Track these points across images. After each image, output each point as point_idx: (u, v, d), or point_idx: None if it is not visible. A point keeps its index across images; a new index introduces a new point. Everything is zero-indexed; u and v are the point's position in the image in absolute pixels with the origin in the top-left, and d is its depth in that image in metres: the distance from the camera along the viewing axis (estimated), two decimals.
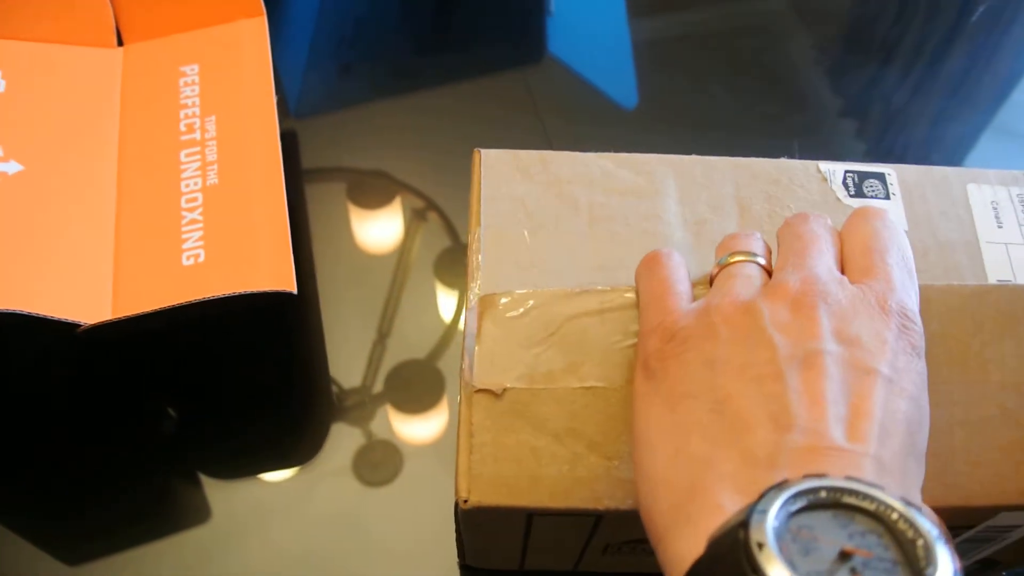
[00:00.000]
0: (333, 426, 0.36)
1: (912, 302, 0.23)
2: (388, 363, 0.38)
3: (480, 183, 0.29)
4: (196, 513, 0.34)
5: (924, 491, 0.21)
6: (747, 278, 0.23)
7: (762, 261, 0.24)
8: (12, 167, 0.34)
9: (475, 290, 0.26)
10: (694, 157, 0.30)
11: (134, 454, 0.35)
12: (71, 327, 0.30)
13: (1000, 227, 0.30)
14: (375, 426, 0.36)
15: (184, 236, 0.32)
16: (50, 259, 0.32)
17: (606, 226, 0.28)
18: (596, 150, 0.46)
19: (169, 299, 0.30)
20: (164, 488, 0.35)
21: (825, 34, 0.52)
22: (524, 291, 0.26)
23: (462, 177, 0.45)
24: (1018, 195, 0.30)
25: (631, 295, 0.26)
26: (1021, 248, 0.29)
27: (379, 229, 0.42)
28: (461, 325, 0.39)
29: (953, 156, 0.47)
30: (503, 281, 0.27)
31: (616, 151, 0.46)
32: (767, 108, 0.48)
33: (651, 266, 0.25)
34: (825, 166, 0.30)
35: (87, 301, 0.31)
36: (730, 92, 0.49)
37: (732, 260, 0.24)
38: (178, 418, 0.36)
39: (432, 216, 0.43)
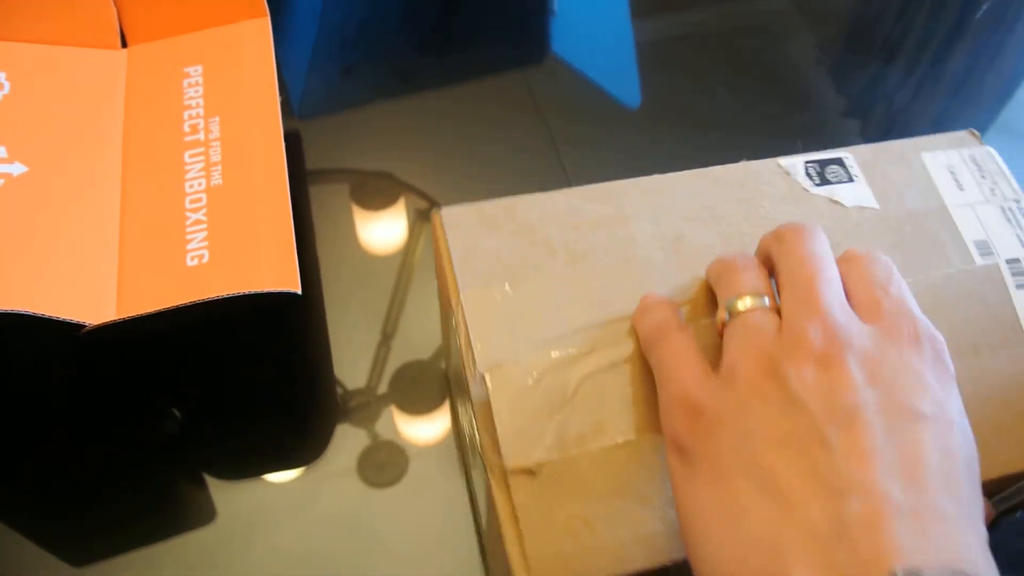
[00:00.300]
0: (338, 427, 0.36)
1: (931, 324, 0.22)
2: (393, 364, 0.38)
3: (447, 245, 0.27)
4: (200, 514, 0.34)
5: None
6: (761, 331, 0.22)
7: (768, 301, 0.23)
8: (17, 168, 0.34)
9: (473, 362, 0.25)
10: (656, 176, 0.30)
11: (138, 455, 0.35)
12: (75, 327, 0.30)
13: (962, 190, 0.30)
14: (380, 427, 0.36)
15: (188, 237, 0.32)
16: (54, 260, 0.32)
17: (586, 262, 0.27)
18: (600, 150, 0.46)
19: (173, 299, 0.30)
20: (168, 489, 0.34)
21: (827, 33, 0.52)
22: (531, 358, 0.25)
23: (466, 178, 0.45)
24: (970, 155, 0.31)
25: (637, 346, 0.25)
26: (986, 206, 0.30)
27: (383, 230, 0.42)
28: None
29: None
30: (499, 344, 0.25)
31: (619, 151, 0.46)
32: (769, 108, 0.48)
33: (650, 322, 0.24)
34: (784, 161, 0.30)
35: (91, 302, 0.31)
36: (733, 92, 0.49)
37: (739, 308, 0.23)
38: (182, 419, 0.36)
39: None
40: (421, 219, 0.43)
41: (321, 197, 0.43)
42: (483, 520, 0.29)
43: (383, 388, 0.37)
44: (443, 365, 0.38)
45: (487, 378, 0.25)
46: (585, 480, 0.24)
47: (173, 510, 0.34)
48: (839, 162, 0.30)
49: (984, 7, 0.54)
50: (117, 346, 0.36)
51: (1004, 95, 0.50)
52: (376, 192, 0.43)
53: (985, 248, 0.29)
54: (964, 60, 0.52)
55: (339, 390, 0.37)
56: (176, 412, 0.36)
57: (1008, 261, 0.28)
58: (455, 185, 0.44)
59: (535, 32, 0.52)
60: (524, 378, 0.25)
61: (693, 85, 0.49)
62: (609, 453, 0.24)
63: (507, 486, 0.23)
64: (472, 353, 0.25)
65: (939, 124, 0.49)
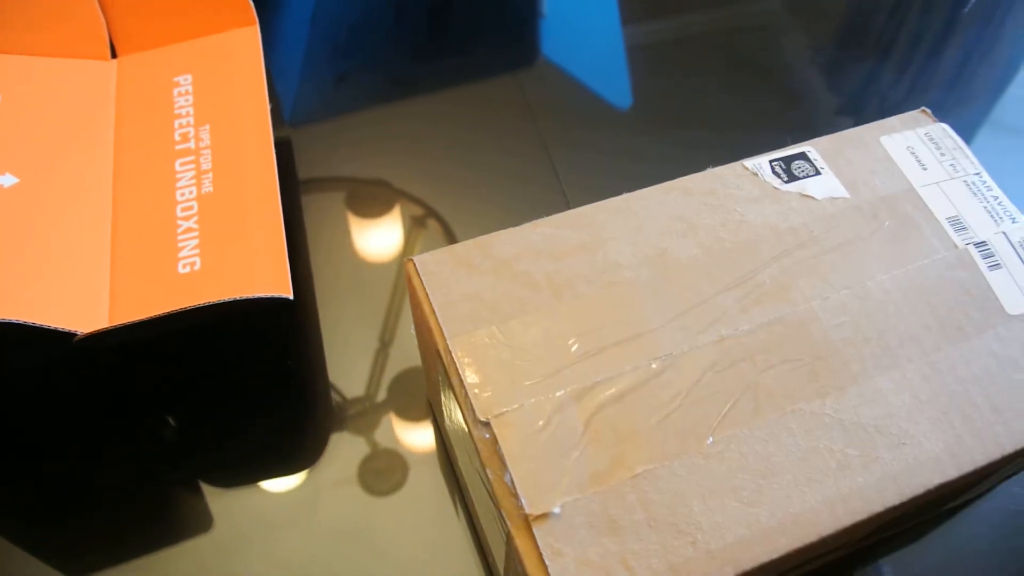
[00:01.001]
0: (337, 435, 0.36)
1: None
2: (391, 371, 0.38)
3: (427, 293, 0.27)
4: (197, 523, 0.33)
5: (966, 452, 0.22)
6: None
7: None
8: (8, 180, 0.34)
9: (475, 412, 0.25)
10: (625, 195, 0.29)
11: (131, 462, 0.35)
12: (67, 336, 0.30)
13: (925, 169, 0.30)
14: (379, 435, 0.36)
15: (180, 244, 0.32)
16: (47, 269, 0.32)
17: (572, 291, 0.27)
18: (592, 152, 0.46)
19: (165, 306, 0.30)
20: (163, 497, 0.34)
21: (820, 31, 0.53)
22: (534, 400, 0.25)
23: (460, 184, 0.45)
24: (926, 134, 0.31)
25: (640, 371, 0.25)
26: (951, 182, 0.30)
27: (379, 237, 0.42)
28: None
29: None
30: (496, 390, 0.25)
31: (611, 152, 0.46)
32: (763, 107, 0.48)
33: None
34: (749, 162, 0.30)
35: (83, 310, 0.31)
36: (725, 92, 0.49)
37: None
38: (176, 427, 0.36)
39: (432, 223, 0.43)
40: (417, 225, 0.43)
41: (315, 205, 0.43)
42: (499, 562, 0.29)
43: (382, 396, 0.37)
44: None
45: (493, 427, 0.24)
46: (611, 515, 0.23)
47: (169, 519, 0.34)
48: (803, 156, 0.31)
49: (972, 1, 0.54)
50: (111, 354, 0.36)
51: (996, 91, 0.51)
52: (371, 199, 0.43)
53: (958, 224, 0.29)
54: (956, 56, 0.52)
55: (338, 398, 0.37)
56: (171, 420, 0.36)
57: (976, 244, 0.29)
58: (451, 191, 0.44)
59: (526, 35, 0.52)
60: (532, 422, 0.24)
61: (684, 86, 0.49)
62: (630, 485, 0.24)
63: (530, 533, 0.23)
64: (471, 402, 0.25)
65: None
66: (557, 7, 0.53)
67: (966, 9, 0.54)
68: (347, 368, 0.37)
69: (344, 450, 0.35)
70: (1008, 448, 0.25)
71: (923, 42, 0.52)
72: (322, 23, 0.51)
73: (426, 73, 0.49)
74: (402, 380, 0.38)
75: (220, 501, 0.34)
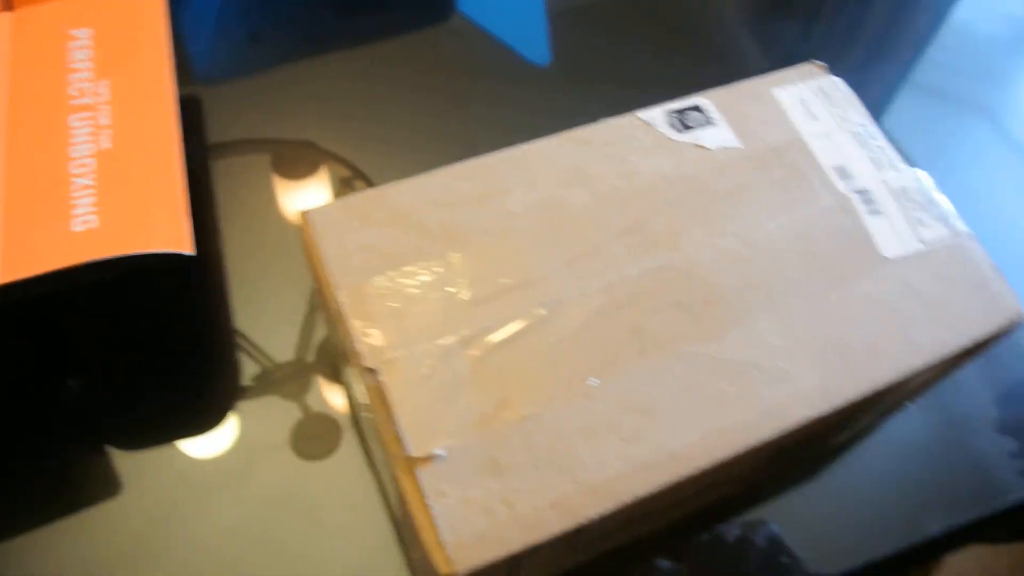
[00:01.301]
0: (268, 399, 0.36)
1: None
2: (319, 334, 0.38)
3: (318, 244, 0.27)
4: (124, 490, 0.33)
5: (839, 388, 0.24)
6: None
7: None
8: None
9: (362, 359, 0.25)
10: (527, 144, 0.30)
11: (42, 431, 0.34)
12: None
13: (815, 119, 0.31)
14: (310, 399, 0.36)
15: (75, 202, 0.31)
16: None
17: (465, 241, 0.27)
18: (510, 110, 0.46)
19: (60, 262, 0.29)
20: (86, 465, 0.34)
21: None
22: (421, 347, 0.25)
23: (386, 144, 0.44)
24: (818, 87, 0.32)
25: (528, 317, 0.26)
26: (840, 133, 0.31)
27: (294, 199, 0.42)
28: None
29: (872, 112, 0.48)
30: (384, 337, 0.25)
31: (529, 109, 0.46)
32: (684, 64, 0.48)
33: None
34: (644, 114, 0.31)
35: None
36: (646, 49, 0.49)
37: None
38: (79, 389, 0.35)
39: (359, 185, 0.43)
40: (343, 185, 0.43)
41: (232, 167, 0.42)
42: (395, 509, 0.29)
43: (311, 358, 0.37)
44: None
45: (380, 374, 0.24)
46: (494, 456, 0.24)
47: (92, 484, 0.33)
48: (697, 108, 0.31)
49: None
50: (7, 315, 0.35)
51: (917, 53, 0.52)
52: (288, 159, 0.43)
53: (844, 172, 0.30)
54: (877, 18, 0.53)
55: (266, 363, 0.37)
56: (72, 383, 0.35)
57: (858, 191, 0.30)
58: (376, 151, 0.44)
59: None
60: (418, 368, 0.25)
61: (606, 44, 0.49)
62: (516, 428, 0.24)
63: (413, 475, 0.23)
64: (359, 349, 0.25)
65: (854, 82, 0.50)
66: None
67: None
68: (277, 333, 0.37)
69: (278, 415, 0.35)
70: (879, 383, 0.26)
71: (847, 3, 0.53)
72: None
73: (341, 30, 0.48)
74: (332, 343, 0.38)
75: (147, 466, 0.34)
